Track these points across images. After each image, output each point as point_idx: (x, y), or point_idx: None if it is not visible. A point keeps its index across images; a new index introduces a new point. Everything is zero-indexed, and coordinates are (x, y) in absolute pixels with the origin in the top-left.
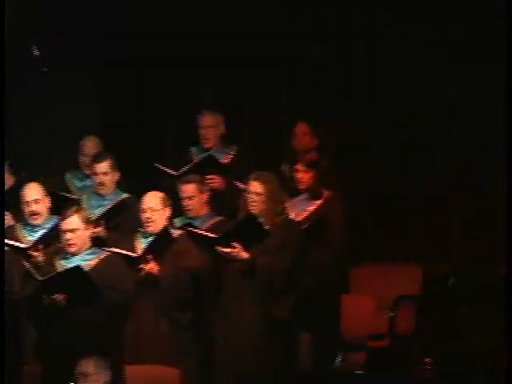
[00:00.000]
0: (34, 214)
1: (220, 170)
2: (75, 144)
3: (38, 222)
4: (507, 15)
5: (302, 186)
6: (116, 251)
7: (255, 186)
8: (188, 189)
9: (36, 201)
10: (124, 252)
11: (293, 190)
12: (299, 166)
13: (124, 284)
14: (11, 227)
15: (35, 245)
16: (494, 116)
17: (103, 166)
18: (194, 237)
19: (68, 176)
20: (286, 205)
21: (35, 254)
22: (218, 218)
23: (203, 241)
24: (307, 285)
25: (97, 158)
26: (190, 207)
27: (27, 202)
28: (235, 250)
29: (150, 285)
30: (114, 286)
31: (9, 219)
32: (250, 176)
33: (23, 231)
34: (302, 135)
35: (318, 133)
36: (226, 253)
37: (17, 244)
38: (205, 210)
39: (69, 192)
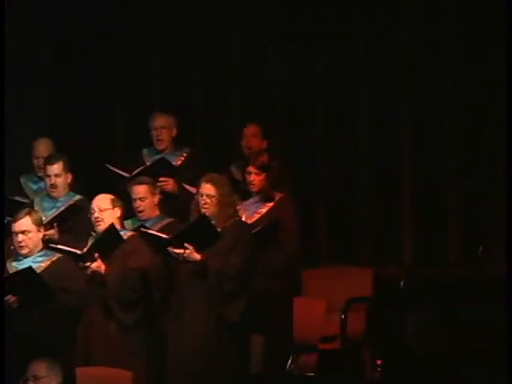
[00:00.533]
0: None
1: (172, 172)
2: (28, 147)
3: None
4: (508, 15)
5: (253, 189)
6: (61, 248)
7: (207, 188)
8: (139, 190)
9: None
10: (69, 249)
11: (244, 193)
12: (250, 169)
13: (76, 285)
14: None
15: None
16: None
17: (55, 168)
18: (146, 237)
19: (22, 180)
20: (238, 207)
21: None
22: (170, 220)
23: (155, 241)
24: (259, 287)
25: (49, 160)
26: (141, 208)
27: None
28: (187, 251)
29: (97, 284)
30: (67, 287)
31: None
32: (202, 178)
33: None
34: (252, 137)
35: (268, 134)
36: (178, 254)
37: None
38: (156, 212)
39: (24, 195)
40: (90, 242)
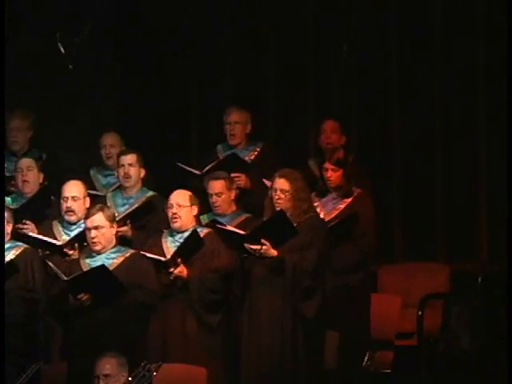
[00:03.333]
0: (70, 210)
1: (244, 167)
2: (95, 142)
3: (73, 219)
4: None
5: (330, 185)
6: (147, 255)
7: (281, 183)
8: (216, 185)
9: (73, 198)
10: (154, 257)
11: (322, 189)
12: (327, 165)
13: (150, 283)
14: (49, 224)
15: (70, 243)
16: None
17: (129, 158)
18: (222, 234)
19: (92, 172)
20: (316, 204)
21: (71, 252)
22: (246, 216)
23: (231, 238)
24: (335, 283)
25: (123, 152)
26: (217, 204)
27: (65, 197)
28: (264, 247)
29: (179, 287)
30: (141, 284)
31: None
32: (276, 173)
33: (60, 229)
34: (331, 132)
35: (346, 130)
36: (255, 250)
37: (52, 241)
38: (233, 208)
39: (94, 189)
40: (165, 240)
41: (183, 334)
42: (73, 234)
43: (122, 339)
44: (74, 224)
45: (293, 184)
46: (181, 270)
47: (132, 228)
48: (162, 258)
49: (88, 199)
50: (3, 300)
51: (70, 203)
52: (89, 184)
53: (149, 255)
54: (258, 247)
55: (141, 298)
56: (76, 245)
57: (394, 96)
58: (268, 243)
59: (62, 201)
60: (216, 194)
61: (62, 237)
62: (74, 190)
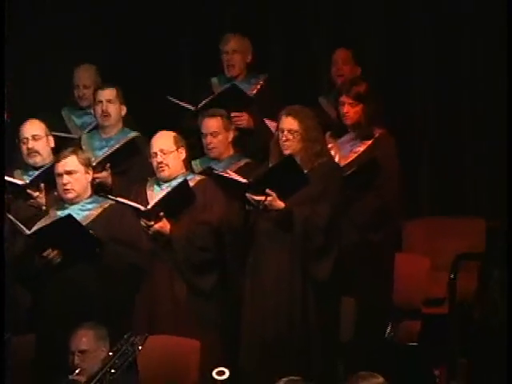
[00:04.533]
0: (33, 151)
1: (246, 103)
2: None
3: (37, 160)
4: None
5: (347, 121)
6: (121, 201)
7: (288, 123)
8: (211, 123)
9: (34, 137)
10: (129, 203)
11: (337, 128)
12: (344, 98)
13: (142, 241)
14: (10, 171)
15: (34, 183)
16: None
17: (108, 93)
18: (219, 183)
19: (64, 112)
20: (330, 145)
21: (36, 194)
22: (246, 161)
23: (229, 187)
24: (351, 240)
25: (100, 86)
26: (212, 145)
27: (25, 138)
28: (269, 198)
29: (162, 245)
30: (131, 242)
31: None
32: (282, 111)
33: (21, 174)
34: (343, 63)
35: (361, 60)
36: (258, 201)
37: (14, 180)
38: (230, 151)
39: (67, 131)
40: (150, 190)
41: (172, 300)
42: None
43: (105, 306)
44: (40, 168)
45: (302, 122)
46: (162, 225)
47: (112, 174)
48: (140, 207)
49: (51, 138)
50: (3, 299)
51: (31, 144)
52: (60, 126)
53: (124, 201)
54: (262, 198)
55: (132, 259)
56: (42, 185)
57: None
58: (274, 194)
59: (21, 144)
60: (211, 134)
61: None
62: (33, 128)
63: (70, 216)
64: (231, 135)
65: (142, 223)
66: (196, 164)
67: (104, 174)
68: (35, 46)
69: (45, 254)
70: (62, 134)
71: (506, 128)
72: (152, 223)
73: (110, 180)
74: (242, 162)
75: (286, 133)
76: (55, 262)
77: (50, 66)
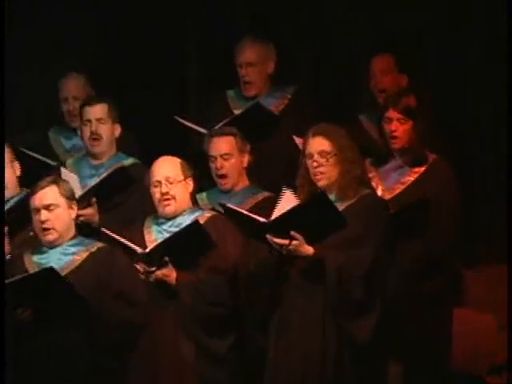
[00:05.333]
0: None
1: (272, 124)
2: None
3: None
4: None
5: (395, 145)
6: (115, 239)
7: (318, 144)
8: (223, 144)
9: None
10: (125, 242)
11: (381, 155)
12: (391, 113)
13: (138, 292)
14: None
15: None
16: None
17: (98, 110)
18: (233, 221)
19: (52, 134)
20: (371, 175)
21: None
22: (265, 194)
23: (246, 228)
24: (399, 293)
25: (89, 101)
26: (223, 171)
27: None
28: (294, 242)
29: (166, 297)
30: (125, 295)
31: None
32: (309, 132)
33: None
34: (381, 75)
35: (406, 68)
36: (281, 245)
37: None
38: (245, 182)
39: (53, 156)
40: (148, 231)
41: (177, 363)
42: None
43: (92, 371)
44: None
45: (335, 142)
46: (166, 273)
47: (99, 209)
48: (138, 249)
49: (17, 164)
50: (3, 297)
51: None
52: (46, 150)
53: (118, 239)
54: (286, 242)
55: (126, 315)
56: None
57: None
58: (300, 237)
59: None
60: (222, 157)
61: None
62: None
63: (51, 269)
64: (246, 160)
65: (140, 269)
66: (202, 198)
67: (89, 210)
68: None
69: (16, 312)
70: (39, 157)
71: None
72: (153, 269)
73: (96, 218)
74: (261, 196)
75: (316, 157)
76: (27, 323)
77: (30, 75)
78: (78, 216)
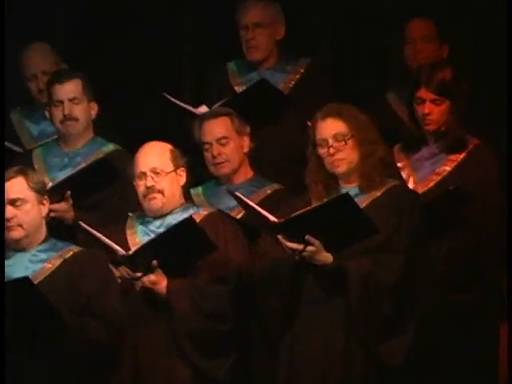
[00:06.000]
0: None
1: (280, 104)
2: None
3: None
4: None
5: (428, 127)
6: (96, 235)
7: (332, 126)
8: (217, 127)
9: None
10: (108, 242)
11: (412, 139)
12: (422, 93)
13: (110, 305)
14: None
15: None
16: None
17: (70, 88)
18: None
19: (15, 117)
20: (400, 165)
21: None
22: (273, 187)
23: (253, 227)
24: (433, 306)
25: (58, 77)
26: (222, 158)
27: None
28: (310, 248)
29: (154, 310)
30: (93, 307)
31: None
32: (319, 113)
33: None
34: (423, 40)
35: (447, 35)
36: (295, 250)
37: None
38: (248, 172)
39: (17, 143)
40: (132, 232)
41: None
42: None
43: None
44: None
45: (351, 121)
46: (155, 279)
47: (74, 207)
48: (120, 250)
49: None
50: (3, 298)
51: None
52: (10, 135)
53: (100, 237)
54: (300, 247)
55: (98, 333)
56: None
57: None
58: (317, 242)
59: None
60: (218, 142)
61: None
62: None
63: (26, 280)
64: (247, 143)
65: (123, 274)
66: (198, 193)
67: (62, 205)
68: None
69: None
70: (8, 145)
71: None
72: (139, 275)
73: (70, 215)
74: (269, 190)
75: (331, 142)
76: None
77: None
78: (49, 211)
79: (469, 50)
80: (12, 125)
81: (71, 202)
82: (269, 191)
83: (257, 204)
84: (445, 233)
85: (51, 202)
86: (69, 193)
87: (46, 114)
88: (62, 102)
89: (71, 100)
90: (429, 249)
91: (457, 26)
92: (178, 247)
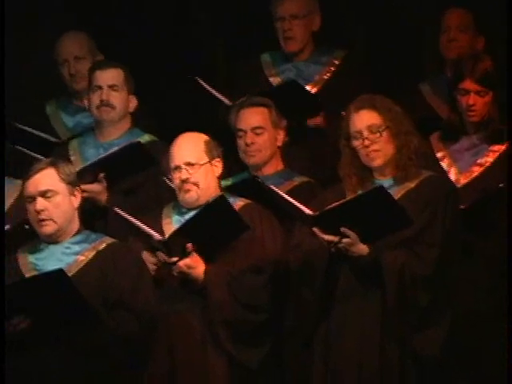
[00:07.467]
0: None
1: (309, 106)
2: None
3: None
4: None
5: (472, 118)
6: (130, 221)
7: (365, 118)
8: (254, 116)
9: None
10: (142, 226)
11: (451, 129)
12: (467, 84)
13: (143, 297)
14: None
15: None
16: None
17: (111, 76)
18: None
19: (50, 108)
20: (440, 154)
21: None
22: (302, 179)
23: (288, 219)
24: (475, 303)
25: (100, 64)
26: (255, 148)
27: None
28: (345, 240)
29: (186, 296)
30: (127, 301)
31: None
32: (351, 105)
33: None
34: (457, 30)
35: (484, 26)
36: (330, 242)
37: None
38: (279, 164)
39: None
40: (167, 221)
41: (204, 376)
42: None
43: None
44: None
45: (384, 113)
46: (191, 264)
47: (108, 191)
48: (155, 235)
49: None
50: (3, 298)
51: None
52: (46, 127)
53: (133, 221)
54: (335, 239)
55: (125, 326)
56: None
57: None
58: (353, 234)
59: None
60: (253, 131)
61: None
62: None
63: (60, 272)
64: (281, 137)
65: (160, 259)
66: (228, 184)
67: (95, 186)
68: None
69: (12, 322)
70: (35, 132)
71: None
72: (175, 259)
73: (104, 196)
74: (297, 181)
75: (366, 134)
76: (23, 335)
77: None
78: (82, 194)
79: (503, 45)
80: (47, 116)
81: (105, 183)
82: (296, 182)
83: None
84: (486, 227)
85: (84, 182)
86: (102, 174)
87: (85, 101)
88: (100, 88)
89: (110, 87)
90: (468, 244)
91: (494, 19)
92: (212, 229)
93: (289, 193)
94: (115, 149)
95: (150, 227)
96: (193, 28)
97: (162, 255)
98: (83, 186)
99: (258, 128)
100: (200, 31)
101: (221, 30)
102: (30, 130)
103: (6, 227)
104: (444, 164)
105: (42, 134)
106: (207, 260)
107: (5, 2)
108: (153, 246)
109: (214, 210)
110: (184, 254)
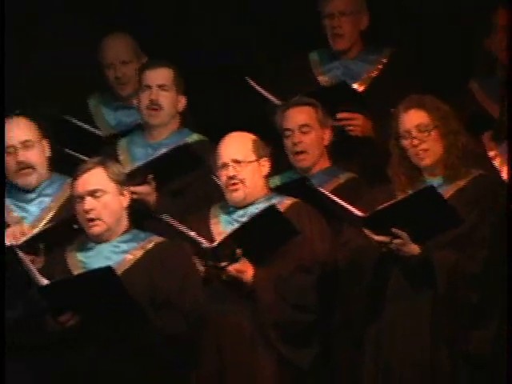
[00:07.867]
0: (25, 167)
1: (358, 103)
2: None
3: (31, 181)
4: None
5: None
6: (176, 228)
7: (414, 118)
8: (301, 115)
9: (24, 144)
10: (189, 233)
11: (499, 130)
12: None
13: (190, 298)
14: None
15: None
16: None
17: (160, 75)
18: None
19: (92, 103)
20: (491, 154)
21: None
22: (348, 176)
23: (335, 219)
24: None
25: (149, 64)
26: (302, 147)
27: (12, 147)
28: (397, 240)
29: (238, 299)
30: (175, 301)
31: None
32: (401, 105)
33: (10, 205)
34: (508, 30)
35: None
36: (381, 243)
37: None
38: (325, 162)
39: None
40: (215, 221)
41: (253, 376)
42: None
43: None
44: (32, 191)
45: (433, 112)
46: (241, 268)
47: (157, 190)
48: (204, 243)
49: (46, 143)
50: (3, 300)
51: (21, 155)
52: (88, 120)
53: (177, 226)
54: (387, 239)
55: (172, 326)
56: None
57: None
58: (404, 234)
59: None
60: (300, 130)
61: (13, 213)
62: (21, 131)
63: (109, 269)
64: (328, 136)
65: (208, 264)
66: (275, 183)
67: (145, 188)
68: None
69: (61, 318)
70: (85, 126)
71: None
72: (225, 264)
73: (153, 198)
74: (343, 179)
75: (415, 133)
76: (72, 331)
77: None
78: (132, 195)
79: None
80: (89, 110)
81: (154, 185)
82: (342, 180)
83: (330, 192)
84: None
85: (133, 184)
86: (151, 176)
87: (134, 101)
88: (150, 87)
89: (160, 86)
90: None
91: None
92: (261, 235)
93: (335, 190)
94: (163, 150)
95: (198, 227)
96: (239, 26)
97: (210, 262)
98: (132, 188)
99: (305, 126)
100: (246, 29)
101: (261, 30)
102: (80, 123)
103: (51, 224)
104: (496, 163)
105: (92, 129)
106: (256, 263)
107: (5, 2)
108: (201, 251)
109: (265, 218)
110: (233, 259)
